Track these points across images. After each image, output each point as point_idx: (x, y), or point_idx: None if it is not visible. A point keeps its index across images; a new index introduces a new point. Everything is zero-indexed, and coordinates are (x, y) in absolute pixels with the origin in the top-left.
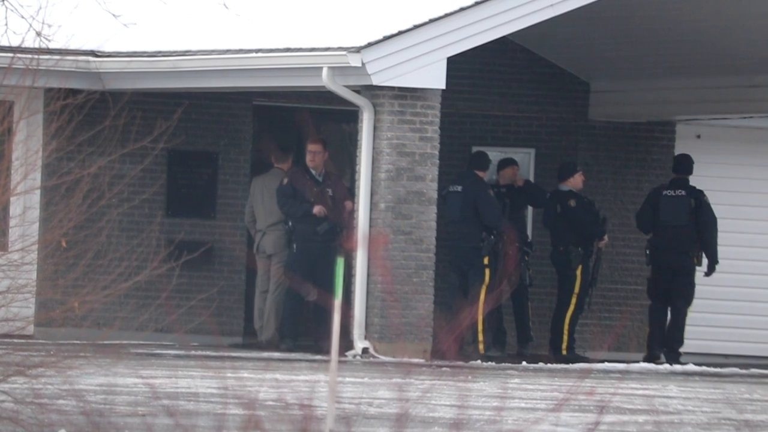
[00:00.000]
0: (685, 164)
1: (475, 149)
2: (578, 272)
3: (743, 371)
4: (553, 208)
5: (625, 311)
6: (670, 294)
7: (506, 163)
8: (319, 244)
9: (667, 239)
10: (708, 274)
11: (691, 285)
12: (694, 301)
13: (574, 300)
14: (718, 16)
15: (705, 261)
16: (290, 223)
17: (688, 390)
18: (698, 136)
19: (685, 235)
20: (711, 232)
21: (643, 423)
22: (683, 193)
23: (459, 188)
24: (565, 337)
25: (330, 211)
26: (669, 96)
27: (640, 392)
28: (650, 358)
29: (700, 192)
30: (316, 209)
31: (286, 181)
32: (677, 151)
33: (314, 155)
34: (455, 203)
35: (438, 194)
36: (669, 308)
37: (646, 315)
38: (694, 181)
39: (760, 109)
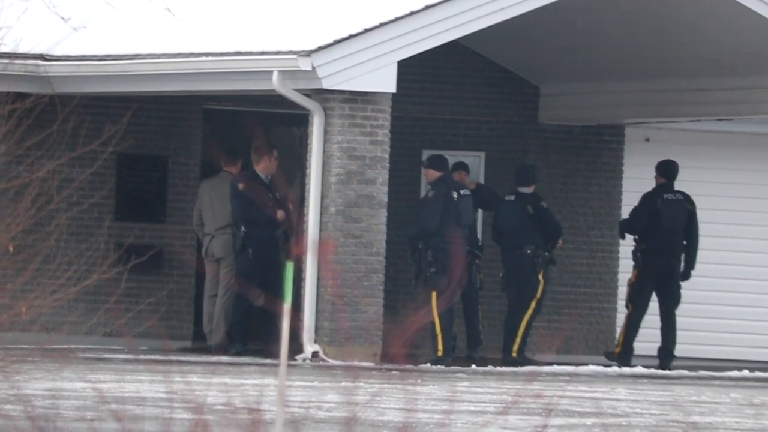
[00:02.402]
0: (673, 170)
1: (425, 152)
2: (540, 276)
3: (691, 373)
4: (521, 210)
5: (574, 313)
6: (660, 297)
7: (455, 167)
8: (274, 248)
9: (664, 243)
10: (684, 278)
11: (679, 287)
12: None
13: (533, 304)
14: (664, 20)
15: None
16: (243, 228)
17: (637, 392)
18: (647, 139)
19: (679, 239)
20: (697, 238)
21: (591, 426)
22: (681, 197)
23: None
24: (518, 340)
25: (287, 215)
26: (618, 99)
27: (589, 395)
28: (626, 360)
29: (690, 197)
30: (280, 214)
31: (242, 186)
32: (626, 154)
33: (275, 161)
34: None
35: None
36: (660, 311)
37: (602, 317)
38: (644, 184)
39: (707, 112)
